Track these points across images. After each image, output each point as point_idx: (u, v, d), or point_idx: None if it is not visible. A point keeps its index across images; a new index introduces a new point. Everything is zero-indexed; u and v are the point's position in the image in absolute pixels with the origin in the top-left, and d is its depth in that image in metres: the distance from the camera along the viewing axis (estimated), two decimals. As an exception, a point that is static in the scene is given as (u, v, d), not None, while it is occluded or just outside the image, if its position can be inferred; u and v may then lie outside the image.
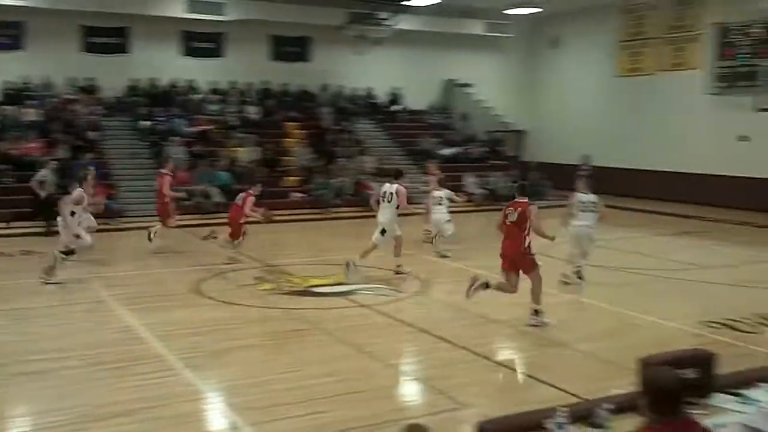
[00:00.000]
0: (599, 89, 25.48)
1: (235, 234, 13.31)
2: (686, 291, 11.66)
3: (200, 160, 20.21)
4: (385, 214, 12.14)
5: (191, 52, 23.50)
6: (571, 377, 7.28)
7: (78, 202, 11.65)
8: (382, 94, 25.67)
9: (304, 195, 20.59)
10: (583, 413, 4.02)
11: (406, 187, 12.40)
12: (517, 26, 26.49)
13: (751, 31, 20.46)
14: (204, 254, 13.76)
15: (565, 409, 3.94)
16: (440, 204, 14.65)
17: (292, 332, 9.01)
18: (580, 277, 11.51)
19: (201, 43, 23.59)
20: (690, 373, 4.23)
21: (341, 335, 8.81)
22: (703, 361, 4.45)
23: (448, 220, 14.64)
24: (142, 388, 6.87)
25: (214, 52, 23.70)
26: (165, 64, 22.90)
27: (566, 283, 11.47)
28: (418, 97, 25.83)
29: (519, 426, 3.99)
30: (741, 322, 9.42)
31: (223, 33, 23.49)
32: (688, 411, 3.97)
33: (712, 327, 9.21)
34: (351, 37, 23.26)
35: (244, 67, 23.68)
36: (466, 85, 26.82)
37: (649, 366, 3.70)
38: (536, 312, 9.28)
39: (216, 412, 6.60)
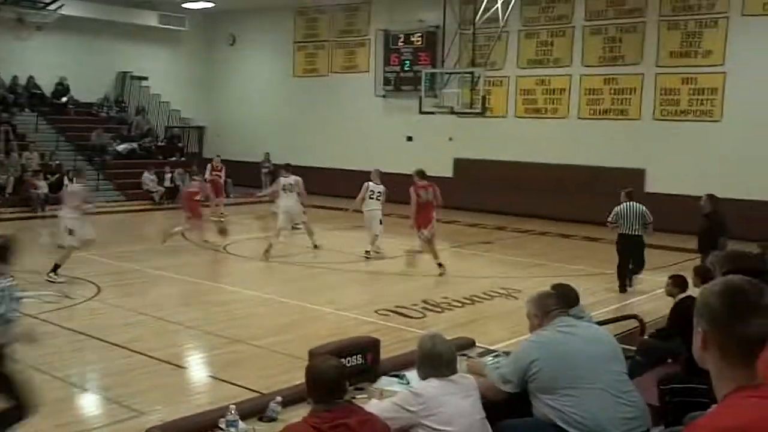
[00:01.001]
0: (277, 88, 25.98)
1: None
2: (361, 282, 12.33)
3: None
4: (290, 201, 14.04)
5: None
6: (251, 373, 7.31)
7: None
8: (47, 85, 23.65)
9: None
10: (255, 408, 4.01)
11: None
12: (193, 20, 26.01)
13: (412, 39, 22.24)
14: None
15: (234, 406, 3.89)
16: (291, 192, 14.34)
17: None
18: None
19: None
20: (356, 360, 4.42)
21: (0, 349, 7.93)
22: (369, 347, 4.68)
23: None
24: None
25: None
26: None
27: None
28: (89, 89, 24.22)
29: (190, 428, 3.87)
30: (409, 308, 10.17)
31: None
32: (354, 396, 4.15)
33: (383, 314, 9.83)
34: (8, 20, 21.07)
35: None
36: (142, 78, 25.76)
37: (314, 356, 3.78)
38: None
39: None
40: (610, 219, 11.63)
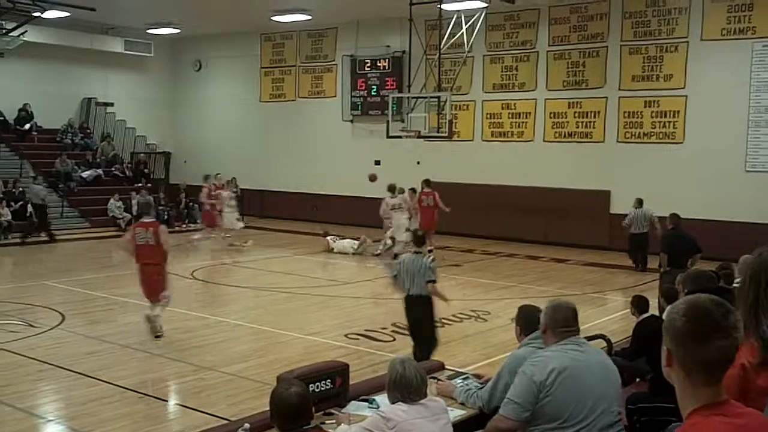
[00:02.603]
0: (245, 114, 25.93)
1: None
2: (329, 306, 12.26)
3: None
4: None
5: None
6: (219, 400, 7.24)
7: None
8: (10, 111, 23.33)
9: None
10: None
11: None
12: (159, 46, 25.91)
13: (379, 64, 22.38)
14: None
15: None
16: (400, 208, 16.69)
17: None
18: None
19: None
20: (325, 385, 4.40)
21: (-40, 381, 7.76)
22: (338, 371, 4.65)
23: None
24: None
25: None
26: None
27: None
28: (53, 115, 23.96)
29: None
30: (378, 332, 10.15)
31: None
32: (323, 421, 4.12)
33: (353, 339, 9.79)
34: (-29, 47, 20.85)
35: None
36: (107, 104, 25.58)
37: (279, 382, 3.75)
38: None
39: None
40: (625, 222, 15.38)
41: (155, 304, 9.85)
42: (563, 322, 4.12)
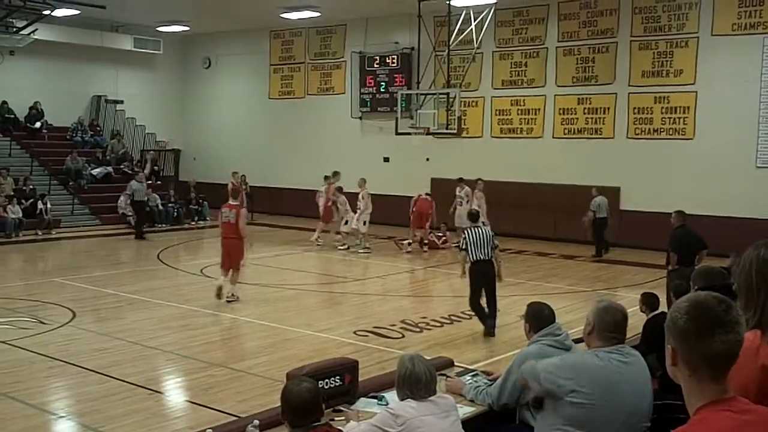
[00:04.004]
0: (254, 111, 25.97)
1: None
2: (337, 303, 12.28)
3: None
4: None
5: None
6: (229, 397, 7.26)
7: None
8: (20, 109, 23.44)
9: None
10: (233, 433, 3.99)
11: None
12: (168, 44, 25.99)
13: (387, 60, 22.37)
14: None
15: (211, 430, 3.86)
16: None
17: None
18: None
19: None
20: (335, 381, 4.41)
21: (-27, 377, 7.81)
22: (347, 368, 4.66)
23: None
24: None
25: None
26: None
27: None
28: (63, 113, 24.07)
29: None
30: (388, 328, 10.15)
31: None
32: (333, 418, 4.13)
33: (362, 335, 9.80)
34: (-19, 46, 20.94)
35: None
36: (117, 101, 25.66)
37: (290, 379, 3.76)
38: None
39: None
40: (593, 208, 16.63)
41: (233, 273, 11.59)
42: (612, 326, 3.88)
